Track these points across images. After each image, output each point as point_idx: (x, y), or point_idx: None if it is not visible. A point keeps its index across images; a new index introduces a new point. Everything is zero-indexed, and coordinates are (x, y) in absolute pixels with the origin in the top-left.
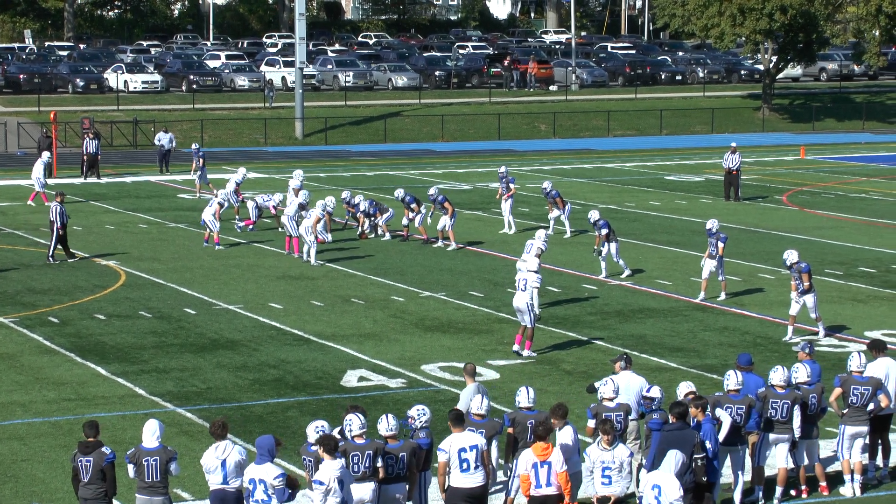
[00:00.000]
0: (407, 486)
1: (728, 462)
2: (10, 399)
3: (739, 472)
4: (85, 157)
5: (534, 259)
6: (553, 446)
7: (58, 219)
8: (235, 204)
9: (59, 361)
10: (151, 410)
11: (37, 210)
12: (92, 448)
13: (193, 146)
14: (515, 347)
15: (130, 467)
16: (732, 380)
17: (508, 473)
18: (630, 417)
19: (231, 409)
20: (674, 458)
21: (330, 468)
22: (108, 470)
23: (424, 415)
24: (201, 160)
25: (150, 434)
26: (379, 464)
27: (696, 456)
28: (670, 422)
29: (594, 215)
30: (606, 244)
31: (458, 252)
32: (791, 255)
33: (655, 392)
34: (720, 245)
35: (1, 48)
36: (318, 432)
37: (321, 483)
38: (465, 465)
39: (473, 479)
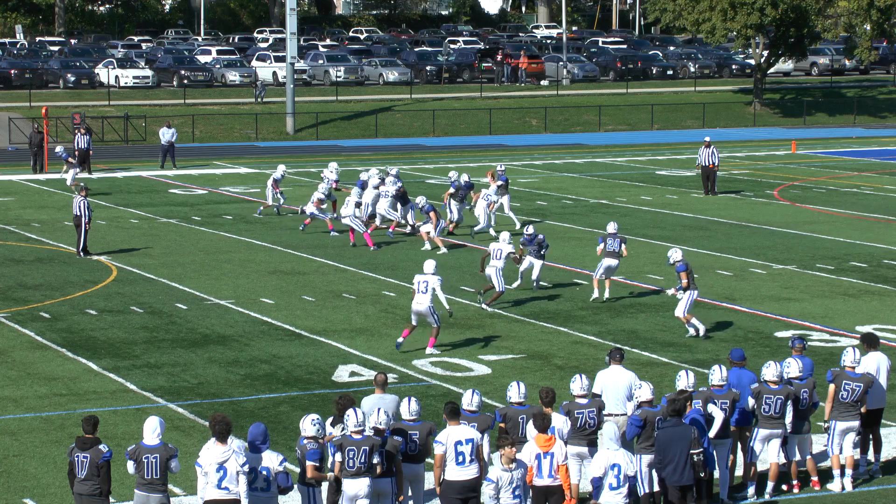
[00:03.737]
0: (393, 480)
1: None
2: (1, 394)
3: (725, 467)
4: (76, 153)
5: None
6: (555, 438)
7: (85, 213)
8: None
9: (51, 356)
10: (143, 406)
11: (28, 205)
12: (89, 444)
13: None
14: (399, 340)
15: (130, 464)
16: (717, 375)
17: None
18: (605, 412)
19: (223, 405)
20: (612, 429)
21: (212, 453)
22: (104, 468)
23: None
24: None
25: (151, 431)
26: (375, 460)
27: (692, 451)
28: (667, 418)
29: (675, 255)
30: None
31: (451, 246)
32: (674, 254)
33: (645, 393)
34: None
35: None
36: (314, 425)
37: (199, 465)
38: (460, 458)
39: (468, 472)
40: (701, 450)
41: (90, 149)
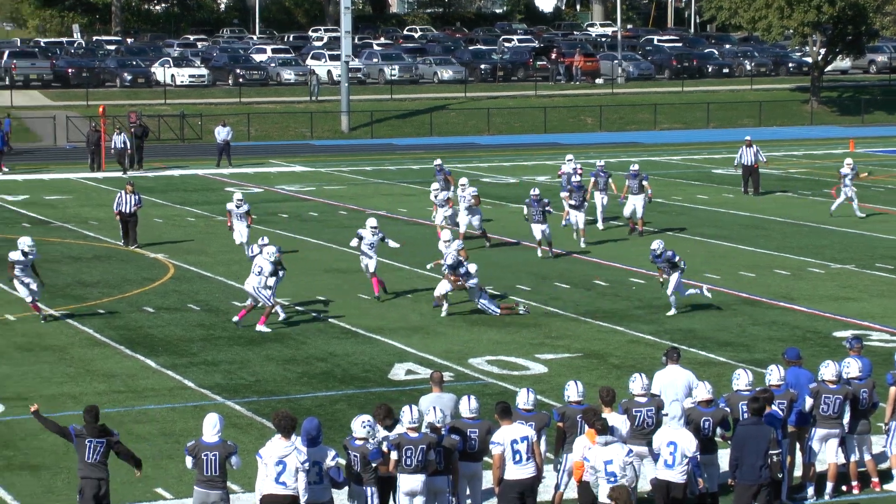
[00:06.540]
0: (450, 478)
1: None
2: (60, 391)
3: (783, 467)
4: (113, 151)
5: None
6: None
7: (114, 206)
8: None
9: (109, 354)
10: (200, 403)
11: (86, 203)
12: (106, 432)
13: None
14: (235, 319)
15: (189, 459)
16: (775, 375)
17: (558, 468)
18: (663, 413)
19: (279, 402)
20: (676, 409)
21: (274, 447)
22: (122, 447)
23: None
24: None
25: (210, 428)
26: (431, 457)
27: (771, 452)
28: (745, 416)
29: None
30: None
31: (505, 245)
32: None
33: (702, 393)
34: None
35: (49, 42)
36: (364, 427)
37: (260, 457)
38: (517, 457)
39: (526, 471)
40: (779, 450)
41: (128, 148)
